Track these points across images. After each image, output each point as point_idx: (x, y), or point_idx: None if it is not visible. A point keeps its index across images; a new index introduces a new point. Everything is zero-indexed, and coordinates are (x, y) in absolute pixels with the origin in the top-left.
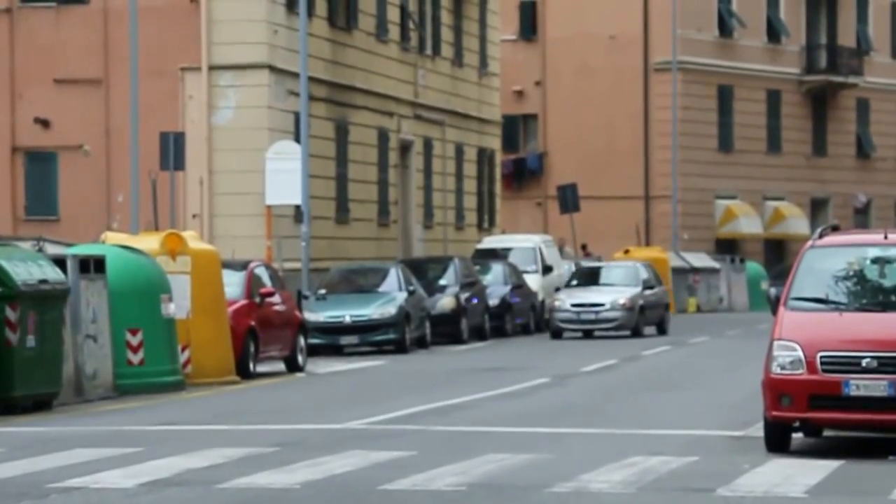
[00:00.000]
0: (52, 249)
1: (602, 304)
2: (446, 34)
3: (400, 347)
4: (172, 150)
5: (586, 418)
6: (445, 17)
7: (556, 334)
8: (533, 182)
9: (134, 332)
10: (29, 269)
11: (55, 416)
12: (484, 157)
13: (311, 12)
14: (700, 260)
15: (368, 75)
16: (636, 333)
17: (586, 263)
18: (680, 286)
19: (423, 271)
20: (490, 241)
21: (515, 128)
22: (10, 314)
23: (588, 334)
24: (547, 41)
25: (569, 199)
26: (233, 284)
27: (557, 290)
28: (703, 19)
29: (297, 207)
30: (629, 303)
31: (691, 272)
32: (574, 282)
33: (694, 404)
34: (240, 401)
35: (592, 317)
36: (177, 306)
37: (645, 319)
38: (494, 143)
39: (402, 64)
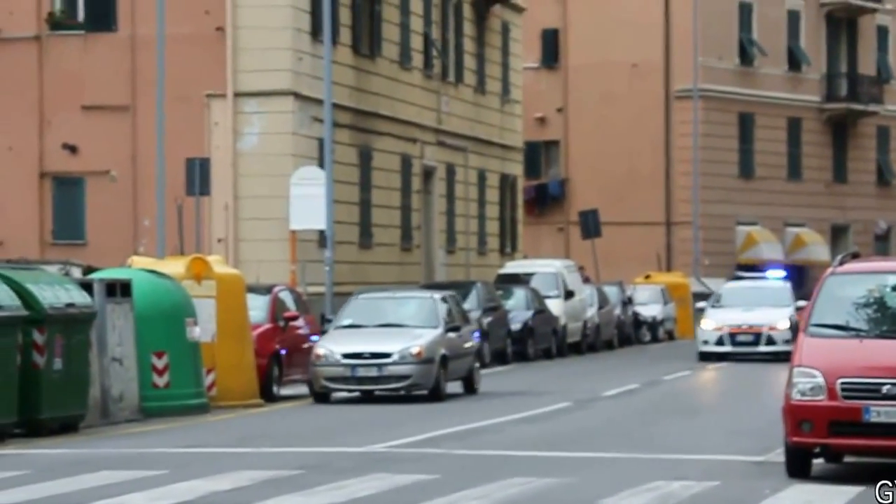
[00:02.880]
0: (79, 273)
1: (387, 355)
2: (469, 62)
3: None
4: (198, 176)
5: (608, 442)
6: (468, 45)
7: (321, 397)
8: (555, 208)
9: (159, 356)
10: (56, 293)
11: (81, 439)
12: (506, 182)
13: (335, 40)
14: (721, 286)
15: (392, 102)
16: (436, 395)
17: (365, 296)
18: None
19: None
20: (512, 266)
21: (537, 154)
22: (38, 337)
23: (368, 395)
24: (569, 69)
25: (590, 225)
26: (257, 308)
27: (324, 333)
28: (725, 48)
29: (321, 232)
30: (425, 352)
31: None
32: (346, 321)
33: (715, 429)
34: (264, 424)
35: (374, 373)
36: (202, 330)
37: (448, 374)
38: (517, 169)
39: (426, 91)
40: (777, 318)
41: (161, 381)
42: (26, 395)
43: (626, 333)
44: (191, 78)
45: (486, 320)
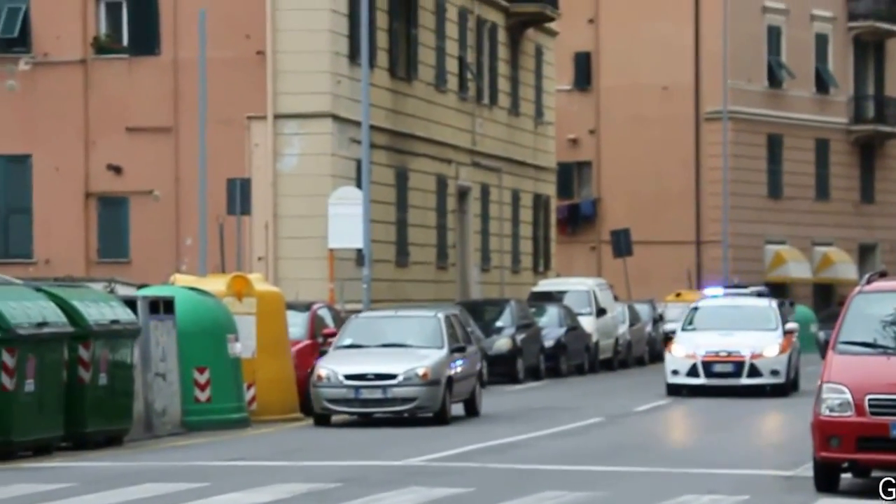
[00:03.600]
0: (123, 291)
1: (392, 376)
2: (503, 84)
3: None
4: (239, 196)
5: (639, 457)
6: (502, 68)
7: (322, 419)
8: (587, 227)
9: (201, 371)
10: (101, 310)
11: (125, 452)
12: (539, 202)
13: (373, 63)
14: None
15: (428, 124)
16: (440, 418)
17: (366, 314)
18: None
19: (481, 313)
20: (545, 285)
21: (570, 174)
22: (83, 353)
23: (367, 418)
24: (601, 91)
25: (622, 244)
26: (297, 325)
27: (322, 354)
28: (753, 70)
29: (359, 251)
30: (431, 373)
31: None
32: (347, 341)
33: (745, 444)
34: (303, 438)
35: (379, 395)
36: (243, 346)
37: (453, 396)
38: (550, 189)
39: (461, 113)
40: (763, 344)
41: (203, 395)
42: (72, 409)
43: (657, 350)
44: (232, 100)
45: (520, 337)
